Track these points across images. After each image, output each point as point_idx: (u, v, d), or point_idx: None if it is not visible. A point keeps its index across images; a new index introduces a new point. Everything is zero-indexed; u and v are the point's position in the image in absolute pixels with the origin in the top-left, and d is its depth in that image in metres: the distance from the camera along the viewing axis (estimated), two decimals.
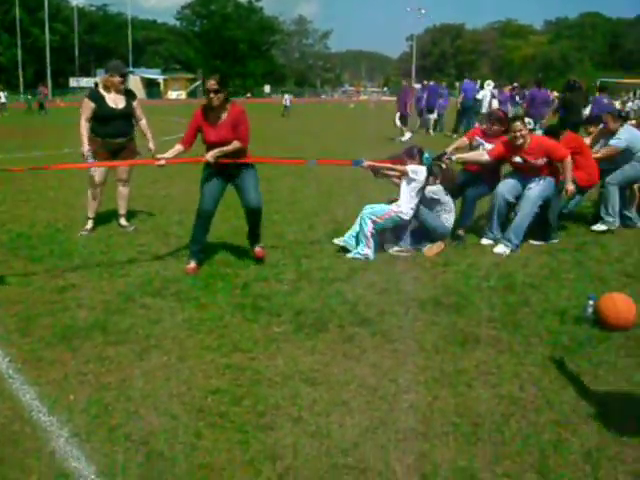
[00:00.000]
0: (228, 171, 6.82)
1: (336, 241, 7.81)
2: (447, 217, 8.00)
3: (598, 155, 9.24)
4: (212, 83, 6.52)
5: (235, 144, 6.69)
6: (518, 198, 8.26)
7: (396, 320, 5.63)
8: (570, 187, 8.17)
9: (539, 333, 5.39)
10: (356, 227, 7.63)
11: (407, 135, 22.50)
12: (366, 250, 7.42)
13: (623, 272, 7.11)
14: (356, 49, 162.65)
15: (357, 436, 3.86)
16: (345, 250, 7.62)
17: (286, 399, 4.28)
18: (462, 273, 6.96)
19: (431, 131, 26.57)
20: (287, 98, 43.37)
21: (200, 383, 4.49)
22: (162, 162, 6.77)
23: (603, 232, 8.90)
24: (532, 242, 8.22)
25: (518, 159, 8.14)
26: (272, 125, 30.99)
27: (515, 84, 25.62)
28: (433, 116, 26.82)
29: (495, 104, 22.83)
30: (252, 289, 6.39)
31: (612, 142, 9.13)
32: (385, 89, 74.48)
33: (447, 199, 8.00)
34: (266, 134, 23.45)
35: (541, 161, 8.00)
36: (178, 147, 6.80)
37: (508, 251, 7.85)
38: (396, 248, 7.73)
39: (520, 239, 8.00)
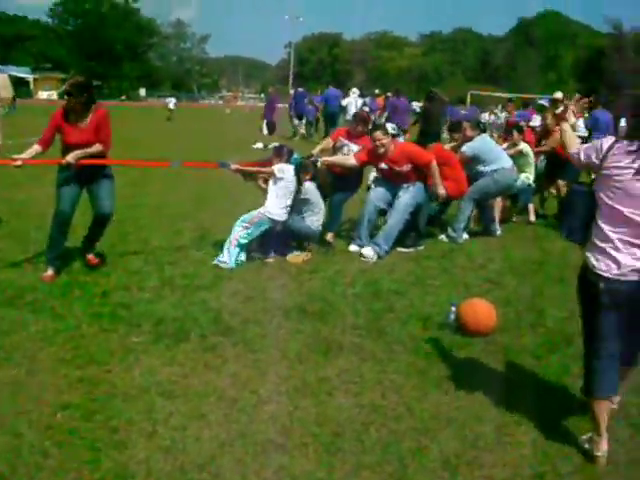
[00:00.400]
0: (85, 175, 6.55)
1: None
2: (314, 219, 7.83)
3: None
4: (68, 87, 6.36)
5: (97, 147, 6.48)
6: (389, 204, 8.34)
7: (259, 329, 5.51)
8: (441, 191, 8.36)
9: (402, 340, 5.41)
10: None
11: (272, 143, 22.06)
12: (225, 256, 7.25)
13: (486, 278, 7.28)
14: (235, 55, 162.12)
15: (214, 450, 3.74)
16: (213, 256, 7.45)
17: (141, 413, 4.09)
18: (328, 280, 6.93)
19: (303, 132, 27.07)
20: (172, 102, 42.42)
21: (50, 398, 4.23)
22: (19, 162, 6.38)
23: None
24: (400, 249, 8.29)
25: (384, 166, 8.23)
26: (160, 128, 30.12)
27: (389, 94, 26.11)
28: (302, 122, 27.34)
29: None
30: (112, 298, 6.12)
31: (462, 149, 9.31)
32: (262, 95, 74.35)
33: (317, 200, 7.85)
34: (153, 140, 22.92)
35: (406, 167, 8.08)
36: (36, 147, 6.46)
37: (375, 256, 7.88)
38: (260, 255, 7.66)
39: (389, 245, 8.07)
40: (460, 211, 9.21)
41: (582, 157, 3.94)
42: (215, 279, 6.78)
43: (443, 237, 9.21)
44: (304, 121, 27.43)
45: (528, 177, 10.62)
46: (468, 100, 45.80)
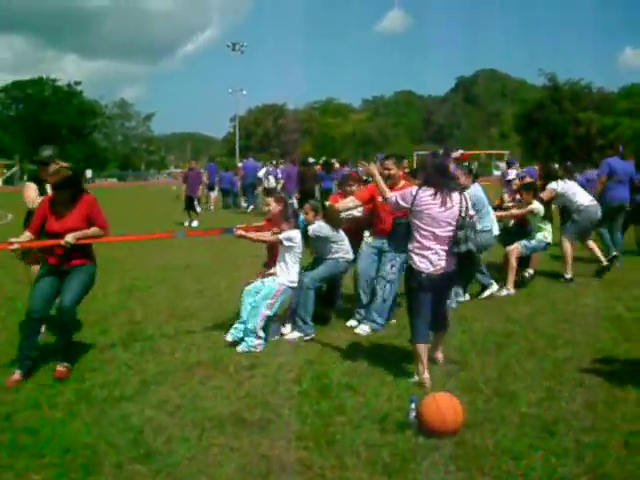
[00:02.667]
0: (63, 268, 6.35)
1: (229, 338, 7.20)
2: (341, 254, 7.76)
3: None
4: (56, 180, 6.29)
5: (95, 229, 6.41)
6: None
7: (186, 449, 4.62)
8: None
9: (356, 450, 4.58)
10: (244, 317, 7.13)
11: (195, 222, 20.82)
12: (257, 342, 6.96)
13: (448, 359, 6.49)
14: (182, 131, 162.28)
15: None
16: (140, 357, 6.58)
17: None
18: (271, 377, 6.07)
19: (211, 207, 28.53)
20: None
21: None
22: (15, 245, 6.26)
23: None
24: (358, 330, 7.69)
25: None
26: None
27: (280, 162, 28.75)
28: (214, 194, 29.42)
29: (272, 181, 24.95)
30: (17, 420, 5.19)
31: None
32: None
33: (334, 232, 7.69)
34: None
35: None
36: (27, 234, 6.38)
37: (370, 331, 7.63)
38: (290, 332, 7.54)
39: (384, 317, 7.75)
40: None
41: (398, 200, 6.06)
42: (141, 386, 5.88)
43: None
44: (215, 192, 29.60)
45: (545, 236, 10.23)
46: (415, 160, 45.92)
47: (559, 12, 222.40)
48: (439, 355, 6.34)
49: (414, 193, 5.86)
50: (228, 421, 5.07)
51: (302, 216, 7.82)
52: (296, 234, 7.32)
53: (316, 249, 7.92)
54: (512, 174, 11.79)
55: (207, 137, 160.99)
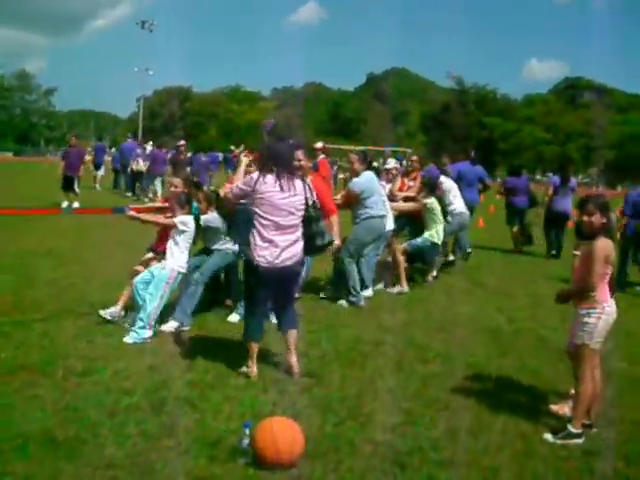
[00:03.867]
0: None
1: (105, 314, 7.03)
2: (229, 245, 7.60)
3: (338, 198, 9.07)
4: None
5: None
6: None
7: None
8: (337, 242, 7.77)
9: None
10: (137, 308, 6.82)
11: (65, 203, 18.75)
12: (147, 333, 6.58)
13: (306, 371, 5.88)
14: (87, 109, 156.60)
15: None
16: None
17: None
18: (103, 385, 5.31)
19: (97, 186, 28.14)
20: None
21: None
22: None
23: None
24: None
25: None
26: None
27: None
28: (100, 172, 28.91)
29: (140, 163, 24.78)
30: None
31: (350, 185, 8.98)
32: (113, 149, 71.74)
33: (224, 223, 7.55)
34: None
35: None
36: None
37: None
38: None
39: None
40: (346, 273, 8.55)
41: (240, 186, 5.73)
42: None
43: (343, 302, 8.59)
44: (101, 171, 29.07)
45: (432, 235, 9.92)
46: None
47: (474, 15, 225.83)
48: (294, 364, 5.79)
49: (255, 178, 5.58)
50: (34, 440, 4.29)
51: (195, 204, 7.45)
52: (190, 220, 7.04)
53: (206, 239, 7.69)
54: (391, 163, 11.41)
55: (112, 116, 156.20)
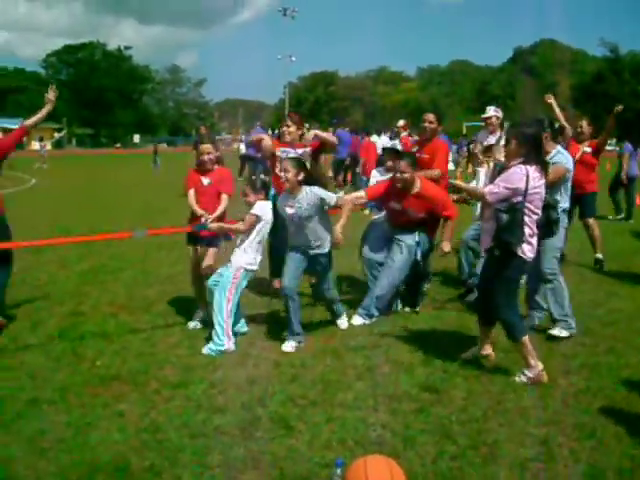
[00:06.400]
0: None
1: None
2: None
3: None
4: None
5: None
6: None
7: None
8: (446, 248, 6.82)
9: None
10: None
11: None
12: (227, 343, 5.87)
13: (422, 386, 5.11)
14: (236, 98, 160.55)
15: None
16: None
17: None
18: (195, 401, 4.76)
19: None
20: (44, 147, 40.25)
21: None
22: None
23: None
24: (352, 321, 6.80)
25: (396, 206, 6.86)
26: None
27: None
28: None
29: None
30: None
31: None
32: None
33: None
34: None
35: (422, 215, 6.85)
36: None
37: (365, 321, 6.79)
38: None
39: (379, 310, 6.88)
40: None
41: (507, 186, 5.05)
42: (28, 407, 4.67)
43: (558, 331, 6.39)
44: None
45: None
46: (464, 131, 44.18)
47: None
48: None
49: (523, 173, 5.07)
50: (104, 470, 3.80)
51: (272, 190, 7.04)
52: (268, 205, 6.32)
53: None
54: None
55: (260, 103, 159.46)
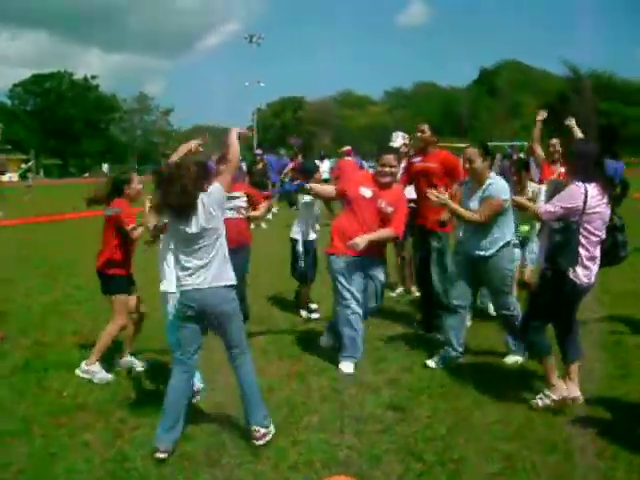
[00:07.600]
0: None
1: None
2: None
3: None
4: None
5: None
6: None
7: None
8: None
9: None
10: None
11: None
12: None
13: (388, 405, 5.14)
14: (204, 124, 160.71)
15: None
16: None
17: None
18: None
19: None
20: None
21: None
22: None
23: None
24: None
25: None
26: None
27: None
28: None
29: None
30: None
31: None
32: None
33: None
34: None
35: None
36: None
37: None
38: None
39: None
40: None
41: (563, 205, 4.76)
42: None
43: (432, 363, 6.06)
44: None
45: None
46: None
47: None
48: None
49: (581, 191, 4.74)
50: None
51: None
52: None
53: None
54: None
55: (227, 129, 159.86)
